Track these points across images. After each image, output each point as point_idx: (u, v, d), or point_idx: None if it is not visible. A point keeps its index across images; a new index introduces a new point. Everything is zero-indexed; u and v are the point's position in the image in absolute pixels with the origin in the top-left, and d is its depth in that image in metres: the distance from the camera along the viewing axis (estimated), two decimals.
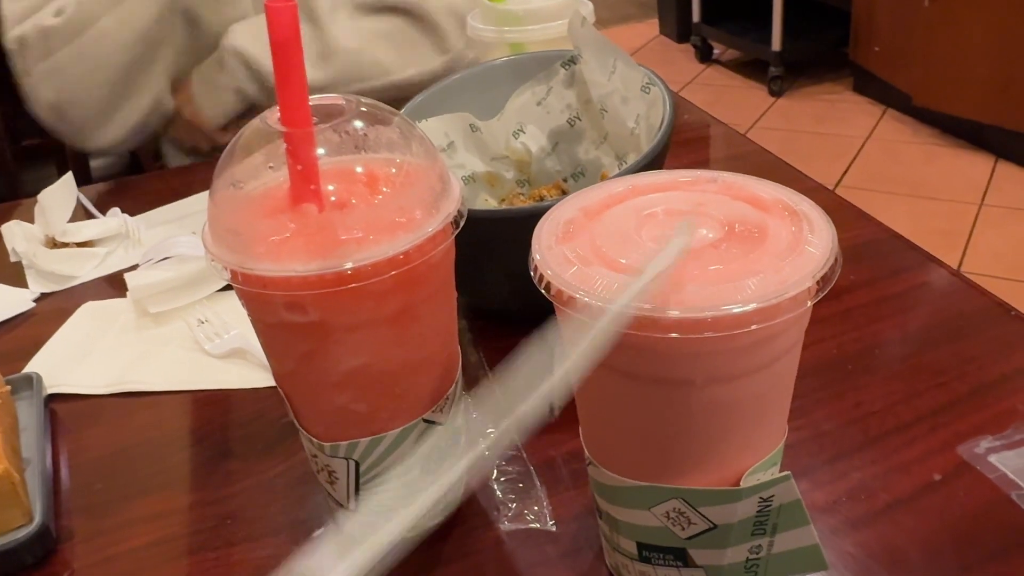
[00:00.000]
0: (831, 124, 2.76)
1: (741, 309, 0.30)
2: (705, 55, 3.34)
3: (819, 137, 2.70)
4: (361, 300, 0.37)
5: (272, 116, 0.37)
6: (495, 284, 0.59)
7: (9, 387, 0.56)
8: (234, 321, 0.64)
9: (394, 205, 0.37)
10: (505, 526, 0.46)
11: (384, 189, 0.38)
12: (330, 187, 0.37)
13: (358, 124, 0.39)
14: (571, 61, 0.66)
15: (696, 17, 3.26)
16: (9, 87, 0.95)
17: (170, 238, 0.73)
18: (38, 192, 0.82)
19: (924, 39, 2.52)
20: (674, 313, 0.30)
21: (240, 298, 0.39)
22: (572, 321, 0.33)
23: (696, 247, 0.33)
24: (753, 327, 0.30)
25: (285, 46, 0.35)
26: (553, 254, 0.34)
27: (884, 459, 0.48)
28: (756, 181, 0.37)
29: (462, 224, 0.39)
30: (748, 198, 0.36)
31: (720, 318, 0.30)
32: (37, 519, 0.47)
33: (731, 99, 3.03)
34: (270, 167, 0.40)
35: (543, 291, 0.33)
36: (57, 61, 0.89)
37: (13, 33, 0.90)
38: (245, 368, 0.60)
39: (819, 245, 0.33)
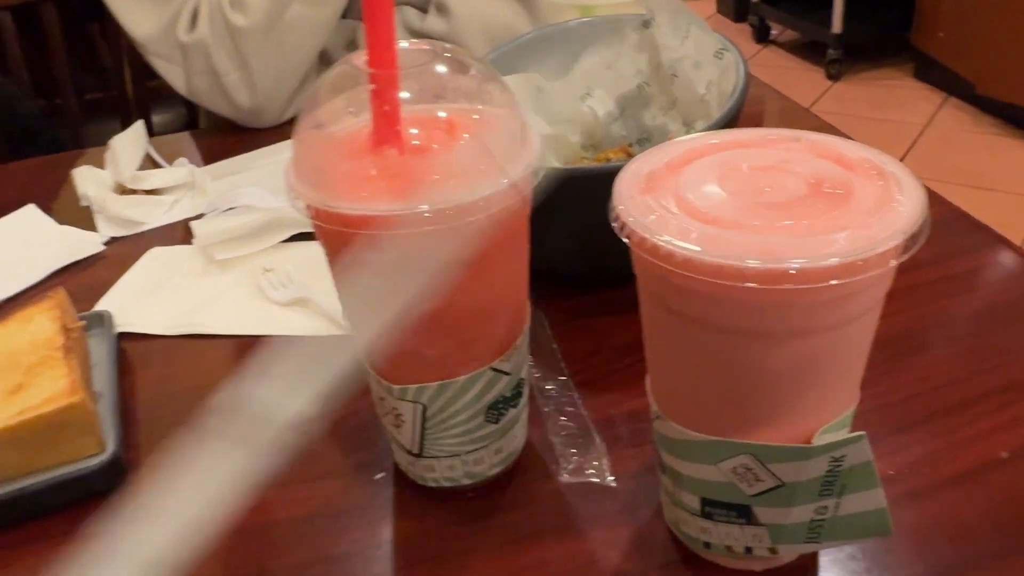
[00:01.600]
0: (889, 110, 2.70)
1: (829, 262, 0.30)
2: (762, 35, 3.28)
3: (877, 123, 2.64)
4: (441, 243, 0.37)
5: (359, 58, 0.38)
6: (560, 245, 0.59)
7: (84, 323, 0.57)
8: (298, 271, 0.65)
9: (475, 151, 0.38)
10: (565, 478, 0.46)
11: (465, 136, 0.38)
12: (412, 131, 0.38)
13: (442, 70, 0.39)
14: (643, 25, 0.66)
15: None
16: (76, 42, 0.95)
17: (236, 188, 0.74)
18: (101, 144, 0.84)
19: (990, 25, 2.45)
20: (755, 263, 0.30)
21: (320, 238, 0.40)
22: (652, 270, 0.33)
23: (783, 201, 0.33)
24: (839, 281, 0.30)
25: None
26: (635, 203, 0.34)
27: (949, 433, 0.47)
28: (840, 141, 0.37)
29: (541, 175, 0.39)
30: (833, 156, 0.36)
31: (809, 270, 0.30)
32: (110, 448, 0.49)
33: (787, 81, 2.98)
34: (350, 112, 0.40)
35: (625, 239, 0.33)
36: (251, 61, 0.88)
37: (180, 39, 0.89)
38: (308, 317, 0.61)
39: (908, 204, 0.32)
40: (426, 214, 0.36)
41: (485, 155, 0.37)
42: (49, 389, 0.49)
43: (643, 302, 0.37)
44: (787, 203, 0.33)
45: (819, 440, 0.35)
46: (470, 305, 0.40)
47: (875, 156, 0.35)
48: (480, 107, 0.39)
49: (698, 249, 0.31)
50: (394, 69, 0.37)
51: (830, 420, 0.36)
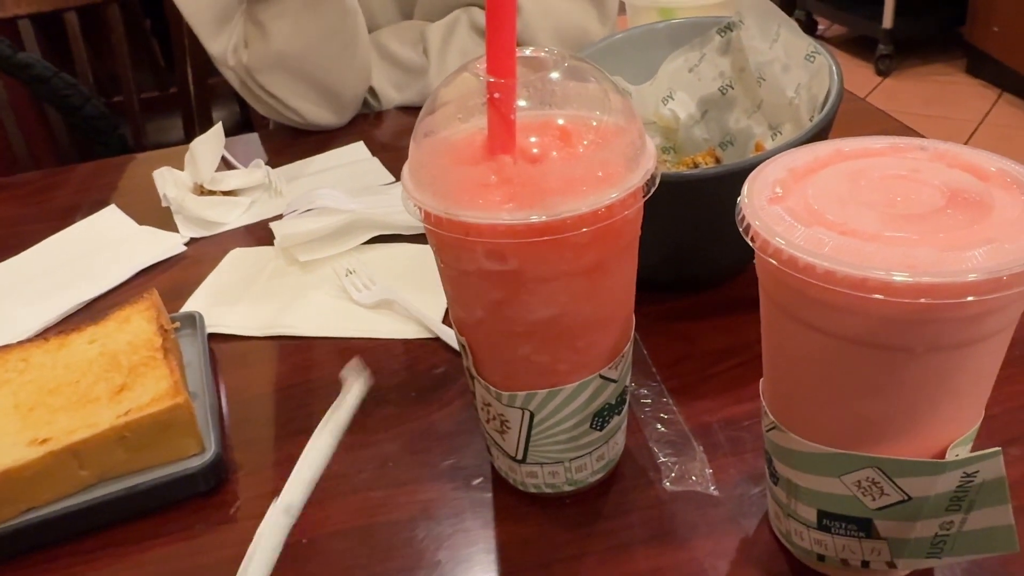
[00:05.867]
0: (942, 107, 2.66)
1: (982, 276, 0.29)
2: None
3: (928, 120, 2.60)
4: (561, 251, 0.37)
5: (478, 66, 0.38)
6: (647, 251, 0.58)
7: (177, 324, 0.58)
8: (380, 273, 0.66)
9: (597, 159, 0.37)
10: (668, 487, 0.46)
11: (584, 142, 0.38)
12: (531, 139, 0.38)
13: (560, 78, 0.39)
14: (727, 28, 0.65)
15: None
16: (134, 42, 0.97)
17: (313, 190, 0.75)
18: (160, 141, 0.85)
19: None
20: (903, 278, 0.30)
21: (435, 245, 0.40)
22: (784, 281, 0.33)
23: (920, 212, 0.32)
24: (983, 297, 0.30)
25: None
26: (766, 214, 0.33)
27: None
28: (971, 150, 0.36)
29: (658, 181, 0.39)
30: (965, 166, 0.35)
31: (964, 284, 0.29)
32: (212, 448, 0.49)
33: None
34: (458, 118, 0.40)
35: (758, 250, 0.33)
36: (275, 92, 0.90)
37: (228, 67, 0.92)
38: (394, 320, 0.62)
39: None
40: (554, 221, 0.36)
41: (603, 164, 0.37)
42: (153, 390, 0.50)
43: (767, 315, 0.37)
44: (925, 215, 0.32)
45: (951, 455, 0.34)
46: (585, 313, 0.40)
47: (1010, 167, 0.35)
48: (598, 115, 0.39)
49: (840, 261, 0.30)
50: (513, 78, 0.37)
51: (960, 435, 0.35)
